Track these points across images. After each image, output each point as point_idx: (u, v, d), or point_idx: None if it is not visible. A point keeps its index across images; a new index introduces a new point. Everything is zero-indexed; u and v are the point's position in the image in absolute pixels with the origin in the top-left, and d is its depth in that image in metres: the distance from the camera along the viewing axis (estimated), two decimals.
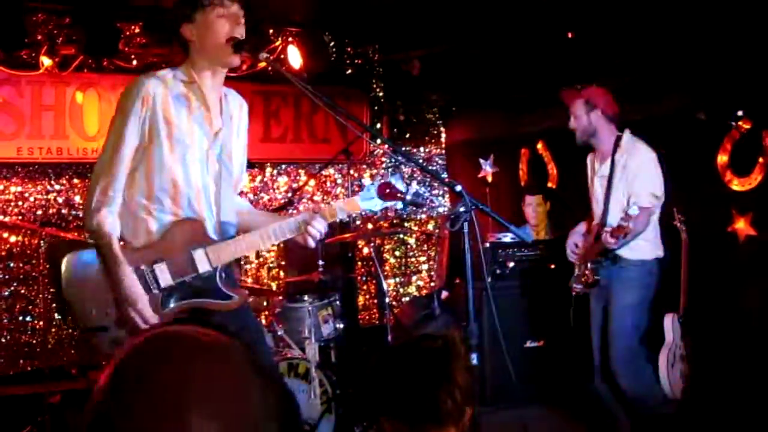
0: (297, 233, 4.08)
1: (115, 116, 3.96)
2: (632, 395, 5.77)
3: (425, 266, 10.73)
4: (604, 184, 5.95)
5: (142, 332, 1.46)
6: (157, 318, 3.84)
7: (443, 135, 10.74)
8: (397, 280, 10.56)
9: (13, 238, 8.20)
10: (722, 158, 6.52)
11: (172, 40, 4.08)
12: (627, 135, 5.94)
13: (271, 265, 9.55)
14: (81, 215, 7.15)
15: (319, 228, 4.05)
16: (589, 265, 5.94)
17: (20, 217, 8.15)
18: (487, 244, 7.50)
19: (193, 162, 3.99)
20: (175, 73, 4.03)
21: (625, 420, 5.97)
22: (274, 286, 9.41)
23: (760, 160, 6.23)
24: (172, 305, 3.92)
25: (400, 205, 4.21)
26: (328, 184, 10.07)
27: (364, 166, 10.29)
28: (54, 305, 8.20)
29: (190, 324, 1.51)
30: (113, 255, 3.83)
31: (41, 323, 8.04)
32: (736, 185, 6.44)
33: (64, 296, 3.90)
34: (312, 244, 4.10)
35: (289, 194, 9.45)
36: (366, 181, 10.11)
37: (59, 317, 8.24)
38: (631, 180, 5.77)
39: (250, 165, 4.81)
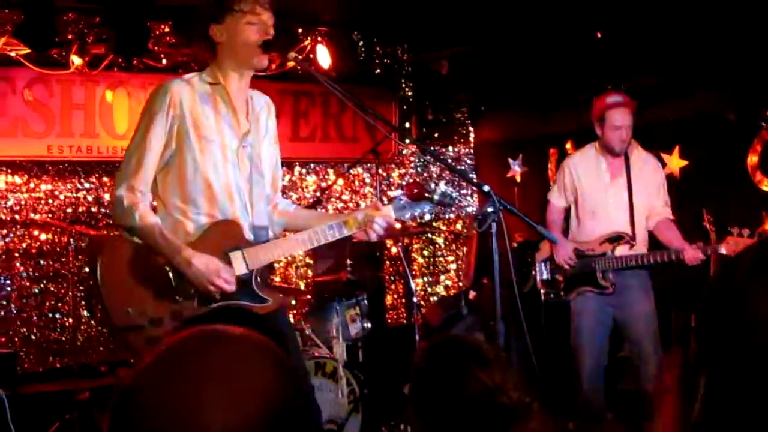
0: (352, 233, 4.12)
1: (142, 117, 4.01)
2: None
3: (453, 266, 10.70)
4: (623, 188, 5.89)
5: (187, 329, 1.48)
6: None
7: (472, 135, 10.70)
8: (425, 279, 10.54)
9: (43, 236, 8.23)
10: (752, 159, 6.47)
11: (200, 38, 4.10)
12: (635, 142, 5.97)
13: (299, 264, 9.56)
14: (111, 217, 7.08)
15: (382, 225, 4.09)
16: (599, 272, 5.89)
17: (50, 215, 8.18)
18: (515, 245, 7.47)
19: (224, 162, 4.02)
20: (200, 76, 4.09)
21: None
22: (302, 285, 9.42)
23: None
24: (210, 305, 3.94)
25: (427, 207, 4.20)
26: (357, 183, 10.05)
27: (393, 166, 10.26)
28: (83, 303, 8.24)
29: (228, 323, 1.52)
30: (170, 242, 3.87)
31: (70, 320, 8.07)
32: (767, 186, 6.39)
33: (101, 294, 3.92)
34: (374, 237, 4.12)
35: (318, 193, 9.45)
36: (394, 179, 10.14)
37: (88, 314, 8.29)
38: (654, 190, 5.84)
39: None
